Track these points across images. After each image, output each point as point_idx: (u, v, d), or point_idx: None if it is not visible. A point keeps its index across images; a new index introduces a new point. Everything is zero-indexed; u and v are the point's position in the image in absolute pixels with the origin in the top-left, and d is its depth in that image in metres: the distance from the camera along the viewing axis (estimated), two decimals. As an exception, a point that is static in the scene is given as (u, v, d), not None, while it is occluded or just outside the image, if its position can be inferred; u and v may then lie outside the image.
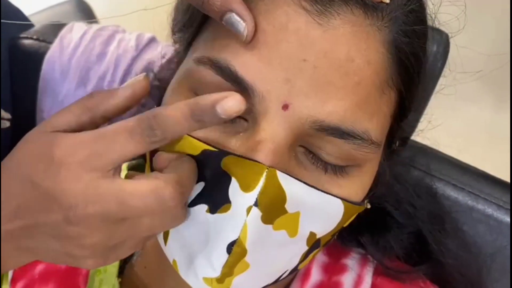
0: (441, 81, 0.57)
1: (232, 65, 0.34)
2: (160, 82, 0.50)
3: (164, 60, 0.53)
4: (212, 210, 0.35)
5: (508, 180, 0.59)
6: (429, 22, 0.40)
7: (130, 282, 0.49)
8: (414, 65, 0.38)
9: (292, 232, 0.37)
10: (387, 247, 0.50)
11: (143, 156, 0.42)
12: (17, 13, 0.74)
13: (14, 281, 0.48)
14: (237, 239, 0.34)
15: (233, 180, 0.34)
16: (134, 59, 0.63)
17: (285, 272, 0.40)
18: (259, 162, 0.34)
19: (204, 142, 0.35)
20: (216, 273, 0.36)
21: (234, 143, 0.36)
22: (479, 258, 0.56)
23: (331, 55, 0.33)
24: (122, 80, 0.62)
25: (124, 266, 0.49)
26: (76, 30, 0.65)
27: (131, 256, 0.50)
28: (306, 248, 0.39)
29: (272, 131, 0.34)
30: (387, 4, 0.35)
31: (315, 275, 0.48)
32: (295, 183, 0.35)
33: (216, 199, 0.35)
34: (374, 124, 0.36)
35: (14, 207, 0.33)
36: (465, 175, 0.58)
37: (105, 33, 0.65)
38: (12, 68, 0.65)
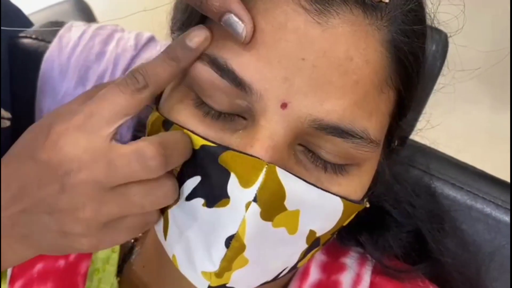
0: (440, 80, 0.58)
1: (231, 64, 0.34)
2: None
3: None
4: (209, 204, 0.35)
5: (508, 180, 0.59)
6: (428, 22, 0.40)
7: (129, 281, 0.49)
8: (413, 64, 0.38)
9: (292, 230, 0.37)
10: (386, 246, 0.50)
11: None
12: (17, 12, 0.74)
13: (12, 280, 0.48)
14: (235, 234, 0.34)
15: (232, 175, 0.34)
16: (133, 58, 0.63)
17: (284, 269, 0.40)
18: (258, 158, 0.34)
19: (203, 138, 0.35)
20: (215, 267, 0.36)
21: (233, 140, 0.36)
22: (478, 257, 0.56)
23: (330, 54, 0.33)
24: (121, 80, 0.62)
25: (123, 265, 0.49)
26: (75, 30, 0.65)
27: (130, 255, 0.50)
28: (305, 246, 0.39)
29: (271, 129, 0.34)
30: (386, 3, 0.35)
31: (314, 274, 0.48)
32: (295, 180, 0.35)
33: (213, 193, 0.35)
34: (373, 123, 0.36)
35: (14, 190, 0.33)
36: (464, 174, 0.58)
37: (104, 32, 0.65)
38: (11, 68, 0.65)
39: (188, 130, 0.36)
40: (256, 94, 0.34)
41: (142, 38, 0.65)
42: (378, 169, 0.42)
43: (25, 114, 0.64)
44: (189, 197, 0.36)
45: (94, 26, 0.66)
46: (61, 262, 0.48)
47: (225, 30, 0.34)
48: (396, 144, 0.45)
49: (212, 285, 0.37)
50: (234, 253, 0.35)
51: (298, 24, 0.33)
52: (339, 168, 0.37)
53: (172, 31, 0.45)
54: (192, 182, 0.36)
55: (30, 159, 0.33)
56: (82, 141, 0.33)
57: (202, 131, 0.36)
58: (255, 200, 0.34)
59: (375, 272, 0.49)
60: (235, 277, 0.37)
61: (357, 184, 0.39)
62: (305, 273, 0.48)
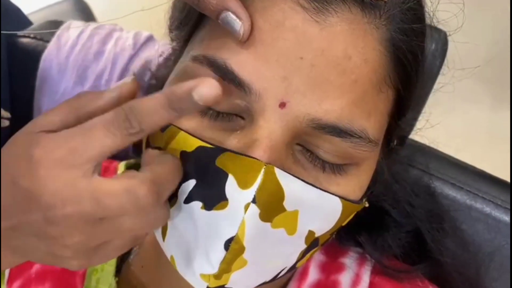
0: (440, 79, 0.57)
1: (229, 63, 0.34)
2: (157, 81, 0.50)
3: (161, 59, 0.53)
4: (208, 207, 0.35)
5: (508, 179, 0.59)
6: (427, 20, 0.40)
7: (127, 281, 0.49)
8: (412, 63, 0.38)
9: (291, 230, 0.36)
10: (385, 246, 0.50)
11: (139, 154, 0.42)
12: (17, 12, 0.74)
13: (10, 280, 0.48)
14: (234, 236, 0.34)
15: (230, 177, 0.34)
16: (132, 58, 0.63)
17: (283, 270, 0.40)
18: (256, 159, 0.34)
19: (200, 139, 0.35)
20: (214, 269, 0.36)
21: (231, 141, 0.36)
22: (478, 257, 0.56)
23: (328, 53, 0.33)
24: (120, 79, 0.61)
25: (121, 265, 0.49)
26: (73, 29, 0.65)
27: (128, 255, 0.50)
28: (304, 246, 0.39)
29: (269, 129, 0.34)
30: (385, 2, 0.35)
31: (313, 274, 0.48)
32: (293, 181, 0.35)
33: (211, 196, 0.35)
34: (371, 123, 0.36)
35: (5, 206, 0.33)
36: (464, 174, 0.58)
37: (103, 31, 0.65)
38: (10, 67, 0.65)
39: (185, 131, 0.36)
40: (255, 94, 0.34)
41: (140, 38, 0.65)
42: (377, 168, 0.42)
43: (24, 113, 0.64)
44: (187, 200, 0.36)
45: (92, 25, 0.66)
46: (59, 262, 0.48)
47: (223, 29, 0.34)
48: (395, 143, 0.45)
49: (211, 286, 0.37)
50: (233, 255, 0.35)
51: (296, 22, 0.33)
52: (337, 168, 0.37)
53: (170, 30, 0.45)
54: (189, 185, 0.36)
55: (10, 183, 0.32)
56: (62, 175, 0.31)
57: (199, 132, 0.36)
58: (254, 201, 0.34)
59: (374, 272, 0.49)
60: (234, 278, 0.37)
61: (355, 184, 0.38)
62: (304, 273, 0.48)
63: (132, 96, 0.36)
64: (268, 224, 0.35)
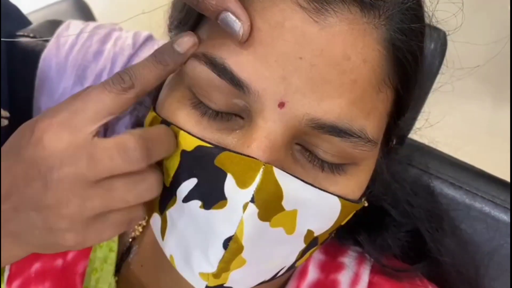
0: (439, 79, 0.57)
1: (228, 63, 0.34)
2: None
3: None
4: (206, 206, 0.35)
5: (508, 179, 0.59)
6: (427, 20, 0.40)
7: (126, 280, 0.49)
8: (411, 63, 0.38)
9: (290, 230, 0.37)
10: (385, 246, 0.50)
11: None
12: (16, 11, 0.74)
13: (10, 280, 0.48)
14: (233, 235, 0.34)
15: (229, 176, 0.34)
16: (131, 57, 0.62)
17: (282, 269, 0.40)
18: (255, 158, 0.34)
19: (199, 139, 0.35)
20: (213, 268, 0.36)
21: (230, 140, 0.36)
22: (477, 256, 0.56)
23: (328, 53, 0.33)
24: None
25: (121, 264, 0.49)
26: (72, 28, 0.65)
27: (128, 254, 0.50)
28: (303, 245, 0.39)
29: (268, 129, 0.34)
30: (384, 2, 0.35)
31: (312, 273, 0.48)
32: (292, 180, 0.35)
33: (210, 195, 0.35)
34: (370, 122, 0.36)
35: (5, 188, 0.34)
36: (463, 174, 0.58)
37: (102, 31, 0.65)
38: (10, 66, 0.65)
39: (184, 130, 0.36)
40: (253, 94, 0.34)
41: (140, 37, 0.65)
42: (376, 168, 0.42)
43: (23, 113, 0.64)
44: (186, 199, 0.36)
45: (92, 25, 0.66)
46: (59, 262, 0.48)
47: (222, 29, 0.34)
48: (394, 143, 0.45)
49: (210, 285, 0.37)
50: (232, 255, 0.35)
51: (295, 22, 0.33)
52: (336, 168, 0.37)
53: (170, 30, 0.45)
54: (188, 184, 0.36)
55: (16, 157, 0.34)
56: (65, 137, 0.33)
57: (198, 132, 0.36)
58: (252, 200, 0.34)
59: (373, 271, 0.49)
60: (233, 277, 0.37)
61: (354, 183, 0.38)
62: (303, 272, 0.48)
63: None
64: (267, 223, 0.35)
